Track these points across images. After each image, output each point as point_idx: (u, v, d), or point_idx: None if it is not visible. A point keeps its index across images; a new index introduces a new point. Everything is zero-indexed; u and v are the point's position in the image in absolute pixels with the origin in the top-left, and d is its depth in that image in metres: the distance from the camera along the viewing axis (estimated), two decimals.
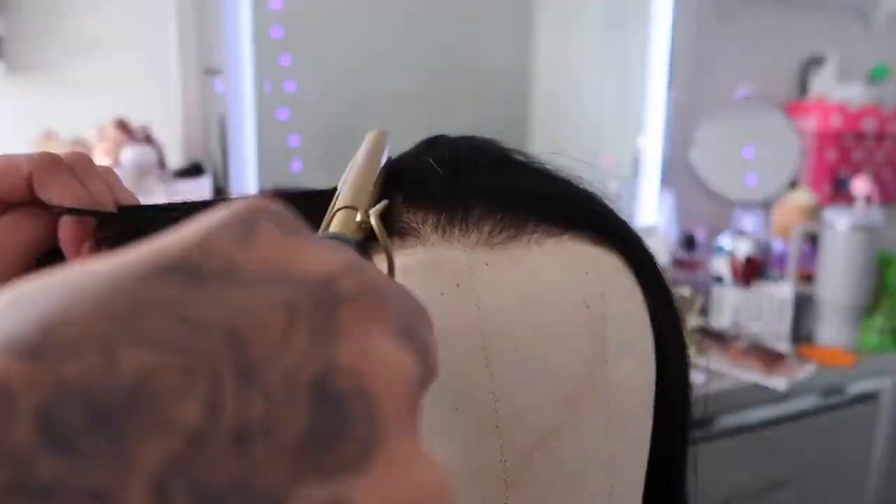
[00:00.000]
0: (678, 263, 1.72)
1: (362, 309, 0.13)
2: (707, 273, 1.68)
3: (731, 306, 1.57)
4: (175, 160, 1.30)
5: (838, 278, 1.52)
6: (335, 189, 0.26)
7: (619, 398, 0.26)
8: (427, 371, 0.15)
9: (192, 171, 1.25)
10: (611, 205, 0.31)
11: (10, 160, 0.25)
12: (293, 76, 1.52)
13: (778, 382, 1.35)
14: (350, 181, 0.26)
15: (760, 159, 1.89)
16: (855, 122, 1.95)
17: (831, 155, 1.96)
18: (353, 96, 1.62)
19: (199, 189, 1.20)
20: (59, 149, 1.13)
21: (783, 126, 1.89)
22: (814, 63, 2.05)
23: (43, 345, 0.11)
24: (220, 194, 1.39)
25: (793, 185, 1.90)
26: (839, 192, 1.96)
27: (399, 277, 0.25)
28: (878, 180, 1.93)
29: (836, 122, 1.93)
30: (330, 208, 0.25)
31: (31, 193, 0.25)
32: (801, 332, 1.56)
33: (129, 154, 1.08)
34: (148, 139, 1.15)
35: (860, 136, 1.98)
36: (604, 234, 0.28)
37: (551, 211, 0.27)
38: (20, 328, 0.11)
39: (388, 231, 0.26)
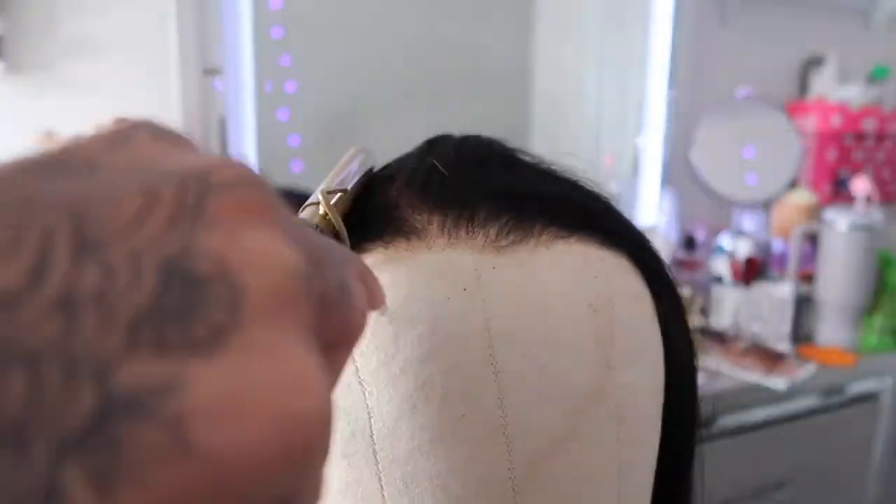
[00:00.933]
0: (678, 263, 1.72)
1: (238, 199, 0.13)
2: (707, 273, 1.68)
3: (731, 306, 1.58)
4: None
5: (838, 278, 1.52)
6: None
7: (627, 403, 0.26)
8: (324, 286, 0.14)
9: None
10: (618, 205, 0.30)
11: None
12: (293, 76, 1.51)
13: (778, 382, 1.35)
14: (324, 184, 0.26)
15: (760, 159, 1.89)
16: (855, 123, 1.95)
17: (831, 155, 1.96)
18: (353, 96, 1.62)
19: None
20: None
21: (783, 126, 1.89)
22: (814, 63, 2.05)
23: None
24: None
25: (793, 185, 1.90)
26: (839, 192, 1.96)
27: (404, 281, 0.25)
28: (878, 180, 1.93)
29: (836, 122, 1.94)
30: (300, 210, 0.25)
31: None
32: (801, 332, 1.56)
33: None
34: None
35: (860, 136, 1.98)
36: (612, 236, 0.28)
37: (559, 213, 0.27)
38: None
39: (393, 233, 0.26)
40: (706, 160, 1.84)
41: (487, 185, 0.27)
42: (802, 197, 1.86)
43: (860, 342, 1.54)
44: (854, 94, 1.96)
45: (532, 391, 0.24)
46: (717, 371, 1.36)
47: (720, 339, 1.52)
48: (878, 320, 1.54)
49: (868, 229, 1.50)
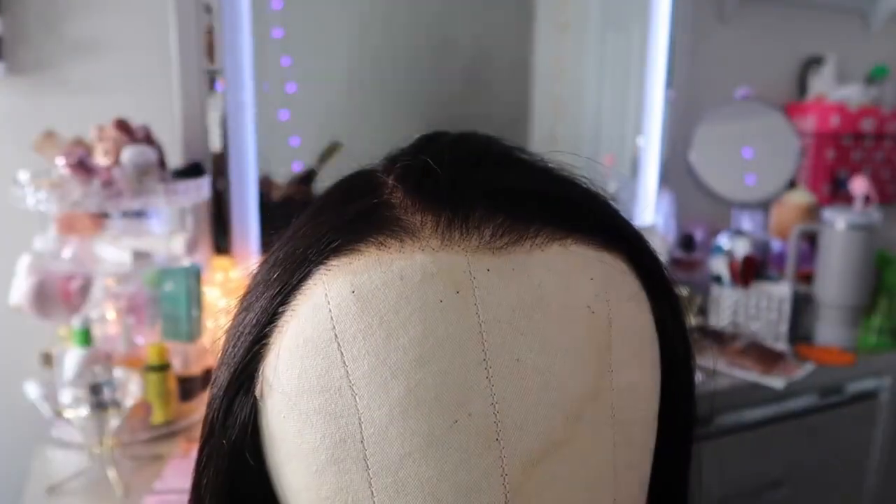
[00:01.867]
0: (677, 263, 1.73)
1: None
2: (706, 273, 1.68)
3: (729, 306, 1.58)
4: (175, 160, 1.30)
5: (837, 278, 1.53)
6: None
7: (624, 406, 0.25)
8: None
9: (192, 171, 1.25)
10: (616, 205, 0.30)
11: None
12: (293, 77, 1.52)
13: (776, 382, 1.35)
14: None
15: (759, 159, 1.89)
16: (854, 123, 1.96)
17: (830, 155, 1.97)
18: (353, 96, 1.63)
19: (199, 189, 1.20)
20: (59, 149, 1.12)
21: (782, 126, 1.89)
22: (813, 63, 2.05)
23: None
24: (220, 195, 1.39)
25: (791, 185, 1.90)
26: (838, 192, 1.96)
27: (397, 283, 0.24)
28: (876, 180, 1.93)
29: (834, 122, 1.94)
30: None
31: None
32: (800, 332, 1.56)
33: (129, 154, 1.08)
34: (148, 139, 1.15)
35: (859, 137, 1.98)
36: (610, 237, 0.27)
37: (555, 213, 0.26)
38: None
39: (386, 233, 0.25)
40: (705, 160, 1.84)
41: (482, 185, 0.26)
42: (801, 197, 1.86)
43: (858, 342, 1.54)
44: (853, 94, 1.97)
45: (527, 397, 0.23)
46: (715, 370, 1.37)
47: (719, 338, 1.53)
48: (877, 320, 1.55)
49: (866, 229, 1.50)
